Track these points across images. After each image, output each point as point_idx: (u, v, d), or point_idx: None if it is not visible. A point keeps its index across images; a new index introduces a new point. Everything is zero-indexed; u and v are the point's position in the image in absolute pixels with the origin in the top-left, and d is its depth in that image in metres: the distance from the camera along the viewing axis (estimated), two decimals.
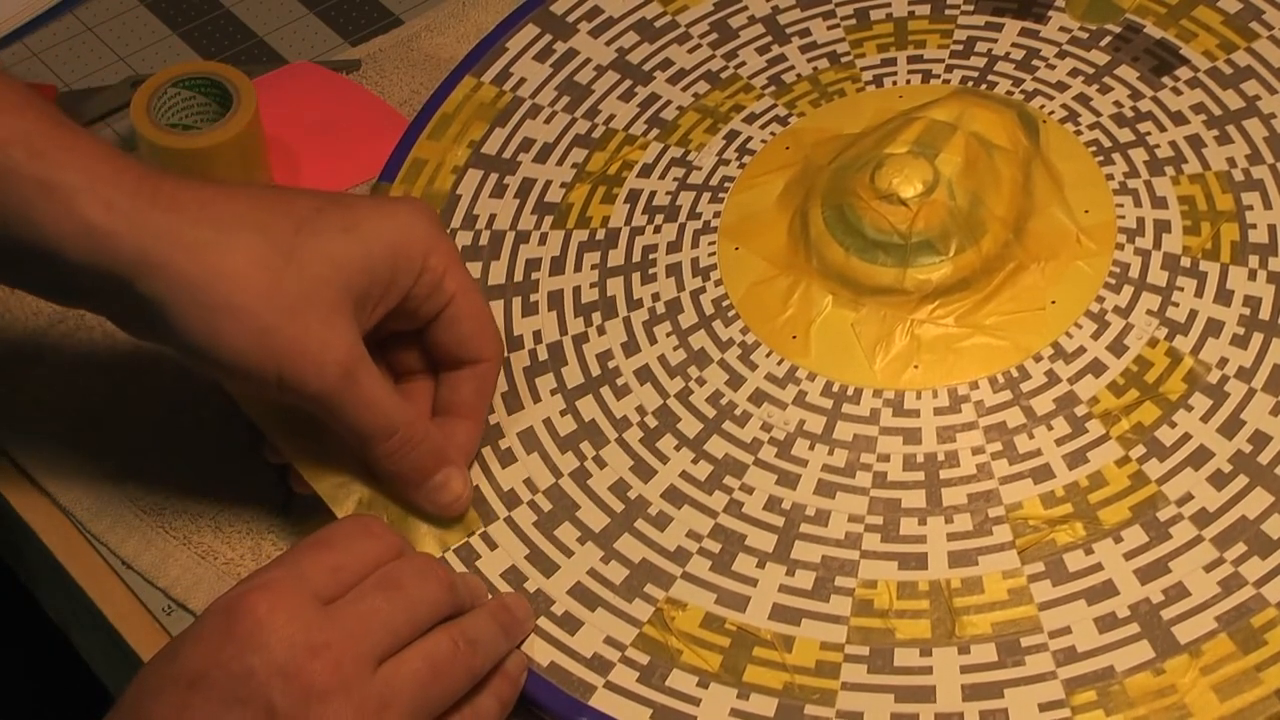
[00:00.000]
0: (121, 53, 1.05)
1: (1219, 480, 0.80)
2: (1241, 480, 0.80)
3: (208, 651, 0.70)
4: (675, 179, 0.93)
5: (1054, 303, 0.85)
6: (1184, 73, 0.93)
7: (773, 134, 0.94)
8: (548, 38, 1.00)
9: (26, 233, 0.76)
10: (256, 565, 0.83)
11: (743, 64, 0.97)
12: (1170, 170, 0.89)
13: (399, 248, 0.80)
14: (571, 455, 0.85)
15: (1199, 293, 0.85)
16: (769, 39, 0.98)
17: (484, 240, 0.92)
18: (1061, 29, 0.96)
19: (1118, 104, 0.92)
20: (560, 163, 0.95)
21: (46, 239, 0.76)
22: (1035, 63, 0.94)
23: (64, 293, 0.80)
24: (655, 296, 0.89)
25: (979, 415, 0.83)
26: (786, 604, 0.79)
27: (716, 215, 0.91)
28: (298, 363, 0.77)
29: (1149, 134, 0.91)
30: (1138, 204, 0.88)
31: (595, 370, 0.87)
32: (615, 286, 0.90)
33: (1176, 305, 0.85)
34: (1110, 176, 0.90)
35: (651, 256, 0.90)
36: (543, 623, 0.79)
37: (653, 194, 0.93)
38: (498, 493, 0.84)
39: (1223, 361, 0.83)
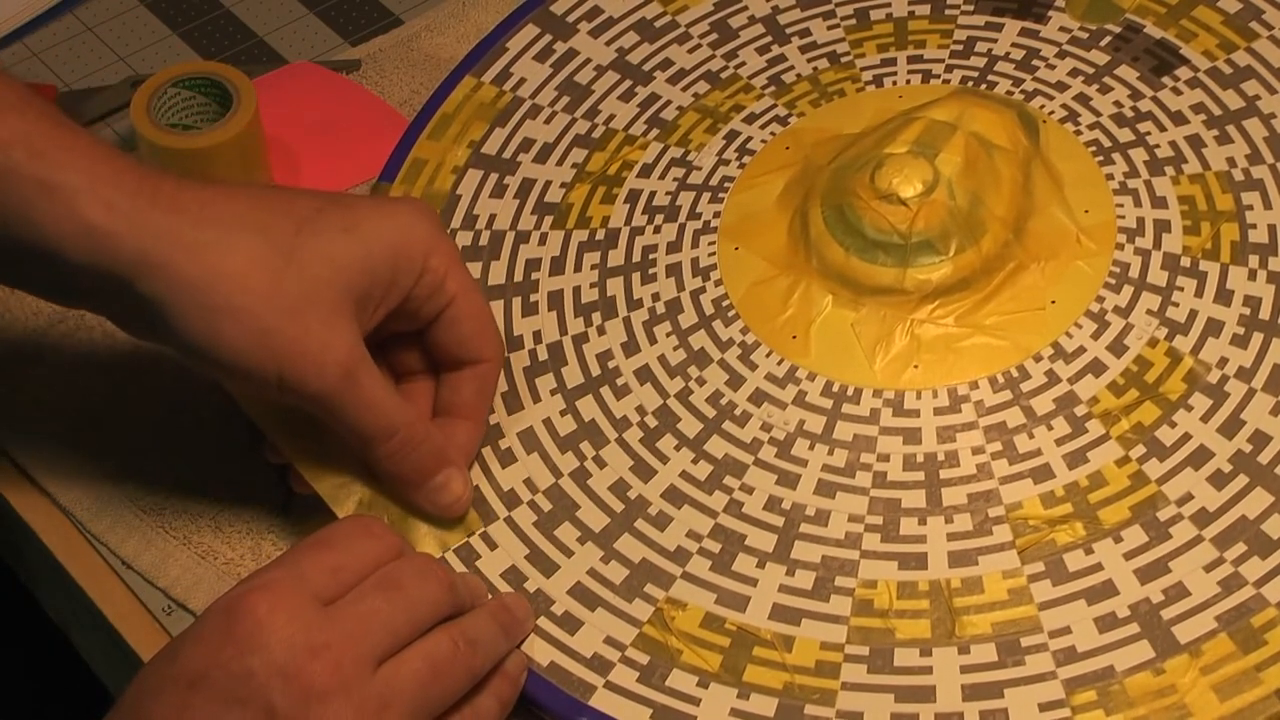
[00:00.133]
0: (121, 53, 1.05)
1: (1219, 480, 0.80)
2: (1241, 480, 0.80)
3: (208, 652, 0.70)
4: (675, 179, 0.93)
5: (1054, 303, 0.85)
6: (1184, 73, 0.93)
7: (773, 134, 0.94)
8: (548, 38, 1.00)
9: (27, 233, 0.76)
10: (256, 565, 0.83)
11: (743, 64, 0.97)
12: (1170, 170, 0.89)
13: (400, 248, 0.80)
14: (571, 455, 0.85)
15: (1199, 293, 0.85)
16: (769, 39, 0.98)
17: (484, 240, 0.92)
18: (1061, 29, 0.96)
19: (1118, 104, 0.92)
20: (560, 163, 0.95)
21: (47, 239, 0.76)
22: (1035, 63, 0.95)
23: (64, 293, 0.80)
24: (655, 296, 0.89)
25: (979, 415, 0.83)
26: (786, 604, 0.79)
27: (716, 215, 0.91)
28: (298, 363, 0.77)
29: (1149, 134, 0.91)
30: (1138, 204, 0.88)
31: (595, 370, 0.87)
32: (615, 286, 0.90)
33: (1176, 305, 0.85)
34: (1110, 176, 0.90)
35: (651, 256, 0.90)
36: (543, 623, 0.79)
37: (653, 194, 0.93)
38: (498, 493, 0.84)
39: (1223, 361, 0.83)
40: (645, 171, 0.94)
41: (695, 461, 0.84)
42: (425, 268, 0.80)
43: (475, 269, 0.91)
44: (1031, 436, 0.82)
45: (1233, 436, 0.81)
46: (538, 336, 0.89)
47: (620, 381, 0.87)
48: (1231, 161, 0.89)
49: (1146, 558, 0.78)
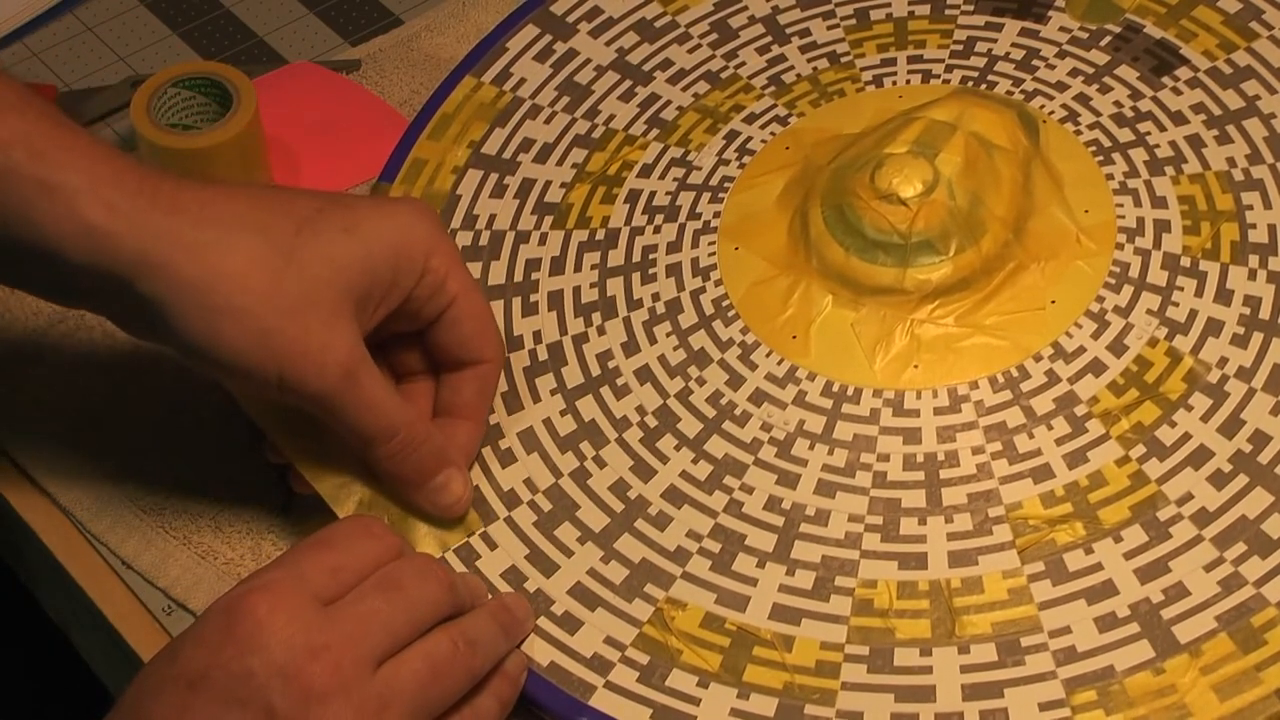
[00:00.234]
0: (121, 53, 1.05)
1: (1219, 480, 0.80)
2: (1241, 480, 0.80)
3: (208, 652, 0.70)
4: (675, 179, 0.93)
5: (1054, 302, 0.85)
6: (1184, 73, 0.93)
7: (773, 134, 0.94)
8: (548, 38, 1.00)
9: (27, 233, 0.76)
10: (256, 565, 0.83)
11: (743, 64, 0.97)
12: (1170, 170, 0.89)
13: (400, 248, 0.80)
14: (571, 455, 0.85)
15: (1199, 292, 0.85)
16: (769, 39, 0.98)
17: (484, 240, 0.92)
18: (1061, 29, 0.96)
19: (1118, 104, 0.92)
20: (560, 163, 0.95)
21: (47, 240, 0.76)
22: (1035, 63, 0.95)
23: (64, 293, 0.80)
24: (655, 296, 0.89)
25: (979, 415, 0.83)
26: (786, 604, 0.79)
27: (716, 215, 0.91)
28: (298, 364, 0.77)
29: (1149, 134, 0.91)
30: (1138, 204, 0.88)
31: (595, 370, 0.87)
32: (615, 286, 0.90)
33: (1176, 305, 0.85)
34: (1110, 176, 0.90)
35: (651, 256, 0.90)
36: (543, 623, 0.79)
37: (653, 194, 0.93)
38: (498, 493, 0.84)
39: (1223, 361, 0.83)
40: (645, 171, 0.94)
41: (695, 461, 0.84)
42: (426, 268, 0.80)
43: (475, 269, 0.91)
44: (1031, 436, 0.82)
45: (1233, 436, 0.81)
46: (538, 336, 0.89)
47: (620, 381, 0.87)
48: (1231, 161, 0.89)
49: (1146, 557, 0.78)
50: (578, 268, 0.91)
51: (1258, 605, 0.76)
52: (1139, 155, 0.90)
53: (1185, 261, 0.86)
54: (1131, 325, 0.85)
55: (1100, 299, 0.86)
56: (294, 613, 0.70)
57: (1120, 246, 0.87)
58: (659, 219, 0.92)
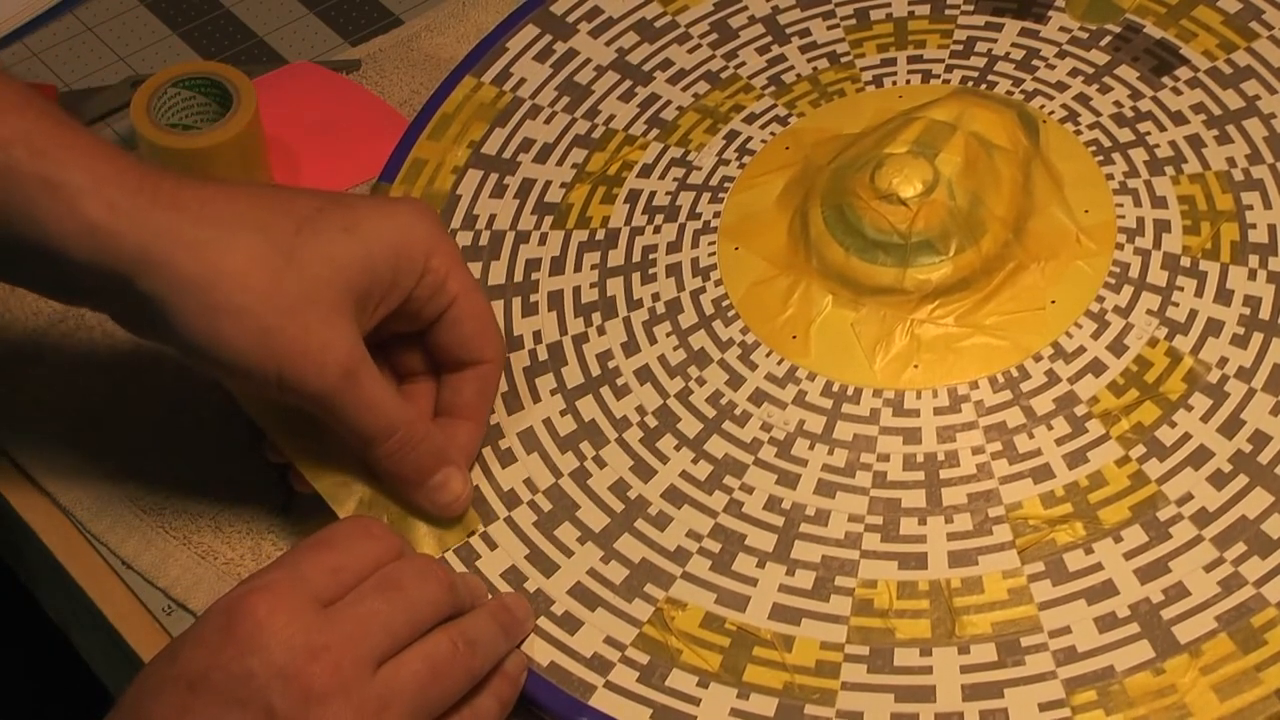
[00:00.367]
0: (121, 53, 1.05)
1: (1219, 480, 0.80)
2: (1241, 480, 0.80)
3: (207, 653, 0.70)
4: (675, 179, 0.93)
5: (1054, 302, 0.85)
6: (1184, 73, 0.93)
7: (773, 134, 0.94)
8: (548, 38, 1.00)
9: (28, 231, 0.76)
10: (256, 565, 0.83)
11: (743, 64, 0.97)
12: (1170, 170, 0.89)
13: (400, 248, 0.80)
14: (571, 455, 0.85)
15: (1199, 292, 0.85)
16: (769, 39, 0.98)
17: (484, 240, 0.92)
18: (1061, 29, 0.96)
19: (1118, 104, 0.92)
20: (560, 163, 0.95)
21: (49, 238, 0.76)
22: (1035, 63, 0.94)
23: (66, 291, 0.80)
24: (655, 296, 0.89)
25: (979, 415, 0.83)
26: (786, 604, 0.79)
27: (716, 215, 0.91)
28: (298, 363, 0.77)
29: (1149, 134, 0.91)
30: (1138, 204, 0.88)
31: (595, 370, 0.87)
32: (615, 286, 0.90)
33: (1176, 305, 0.85)
34: (1110, 176, 0.90)
35: (651, 256, 0.90)
36: (543, 623, 0.79)
37: (653, 194, 0.93)
38: (498, 493, 0.84)
39: (1223, 361, 0.83)
40: (645, 171, 0.94)
41: (695, 461, 0.84)
42: (426, 268, 0.80)
43: (475, 269, 0.91)
44: (1031, 436, 0.82)
45: (1233, 436, 0.81)
46: (538, 336, 0.89)
47: (620, 381, 0.87)
48: (1231, 161, 0.89)
49: (1146, 558, 0.78)
50: (578, 268, 0.91)
51: (1258, 605, 0.76)
52: (1139, 155, 0.90)
53: (1185, 261, 0.86)
54: (1131, 325, 0.85)
55: (1100, 299, 0.86)
56: (294, 613, 0.70)
57: (1120, 246, 0.87)
58: (659, 219, 0.92)
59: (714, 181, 0.93)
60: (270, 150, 0.97)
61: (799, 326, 0.86)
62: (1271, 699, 0.74)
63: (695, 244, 0.90)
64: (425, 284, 0.81)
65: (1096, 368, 0.84)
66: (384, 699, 0.71)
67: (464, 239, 0.92)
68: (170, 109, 0.95)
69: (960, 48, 0.96)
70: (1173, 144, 0.90)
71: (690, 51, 0.98)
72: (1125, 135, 0.91)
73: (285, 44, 1.05)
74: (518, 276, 0.91)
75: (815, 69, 0.96)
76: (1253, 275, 0.86)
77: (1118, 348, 0.84)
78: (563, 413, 0.86)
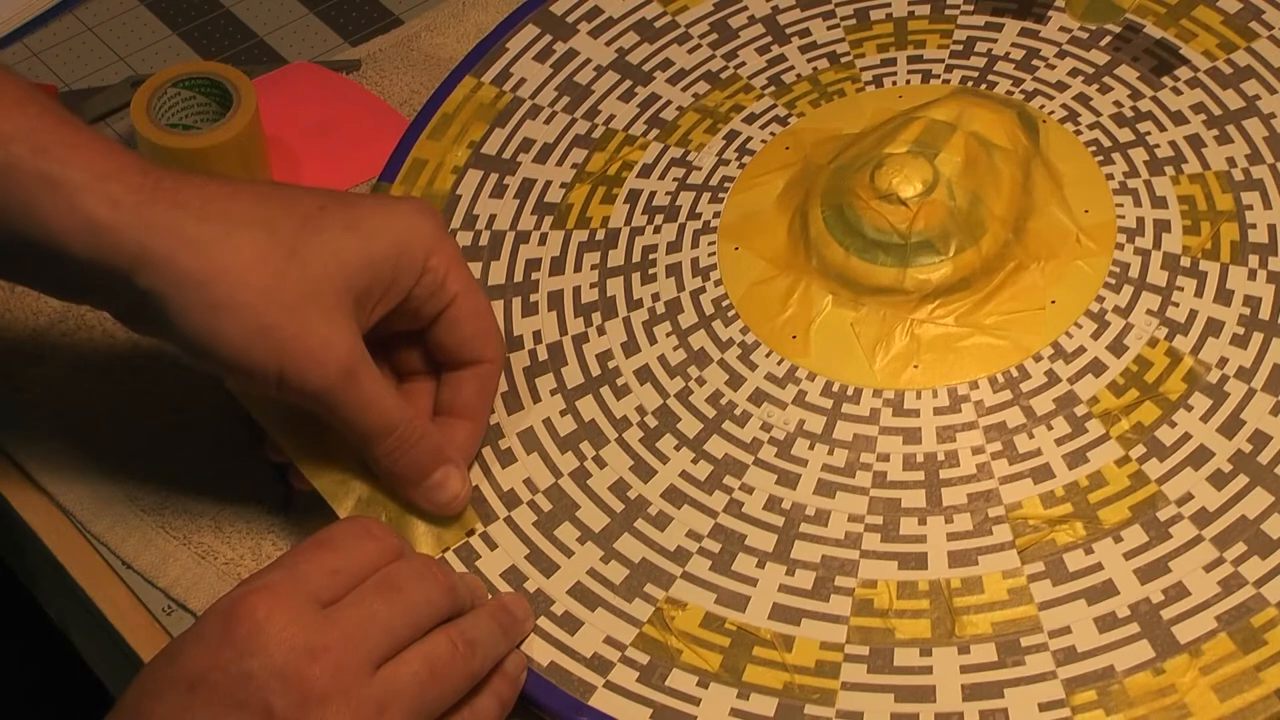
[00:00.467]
0: (121, 53, 1.05)
1: (1219, 480, 0.80)
2: (1241, 480, 0.80)
3: (207, 654, 0.70)
4: (675, 179, 0.93)
5: (1054, 302, 0.85)
6: (1184, 73, 0.93)
7: (772, 134, 0.94)
8: (548, 38, 1.00)
9: (30, 228, 0.76)
10: (256, 565, 0.83)
11: (743, 64, 0.97)
12: (1170, 170, 0.89)
13: (402, 247, 0.80)
14: (571, 455, 0.85)
15: (1199, 292, 0.85)
16: (769, 39, 0.98)
17: (484, 240, 0.92)
18: (1061, 29, 0.96)
19: (1118, 104, 0.92)
20: (560, 163, 0.95)
21: (50, 235, 0.76)
22: (1035, 63, 0.94)
23: (67, 288, 0.80)
24: (655, 296, 0.89)
25: (979, 415, 0.83)
26: (786, 604, 0.79)
27: (716, 215, 0.91)
28: (299, 360, 0.77)
29: (1149, 134, 0.91)
30: (1138, 204, 0.88)
31: (595, 370, 0.87)
32: (615, 286, 0.90)
33: (1176, 305, 0.85)
34: (1110, 176, 0.90)
35: (651, 256, 0.90)
36: (543, 623, 0.79)
37: (653, 194, 0.93)
38: (498, 493, 0.84)
39: (1222, 361, 0.83)
40: (645, 171, 0.94)
41: (695, 461, 0.84)
42: (426, 267, 0.80)
43: (475, 269, 0.91)
44: (1031, 436, 0.82)
45: (1233, 436, 0.81)
46: (538, 336, 0.89)
47: (620, 381, 0.87)
48: (1231, 161, 0.89)
49: (1146, 558, 0.78)
50: (578, 268, 0.91)
51: (1258, 605, 0.76)
52: (1139, 155, 0.90)
53: (1185, 261, 0.86)
54: (1131, 325, 0.85)
55: (1100, 299, 0.86)
56: (293, 614, 0.70)
57: (1120, 246, 0.87)
58: (659, 219, 0.92)
59: (714, 181, 0.93)
60: (270, 150, 0.97)
61: (799, 326, 0.86)
62: (1271, 699, 0.74)
63: (695, 244, 0.90)
64: (425, 283, 0.81)
65: (1096, 368, 0.84)
66: (383, 700, 0.71)
67: (464, 239, 0.92)
68: (170, 109, 0.95)
69: (960, 48, 0.96)
70: (1173, 144, 0.90)
71: (690, 51, 0.98)
72: (1125, 135, 0.91)
73: (285, 44, 1.05)
74: (518, 276, 0.91)
75: (815, 69, 0.96)
76: (1253, 275, 0.86)
77: (1118, 348, 0.84)
78: (563, 413, 0.86)
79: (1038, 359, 0.84)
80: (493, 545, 0.82)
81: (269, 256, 0.77)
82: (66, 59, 1.05)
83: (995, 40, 0.96)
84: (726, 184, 0.92)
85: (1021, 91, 0.93)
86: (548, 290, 0.90)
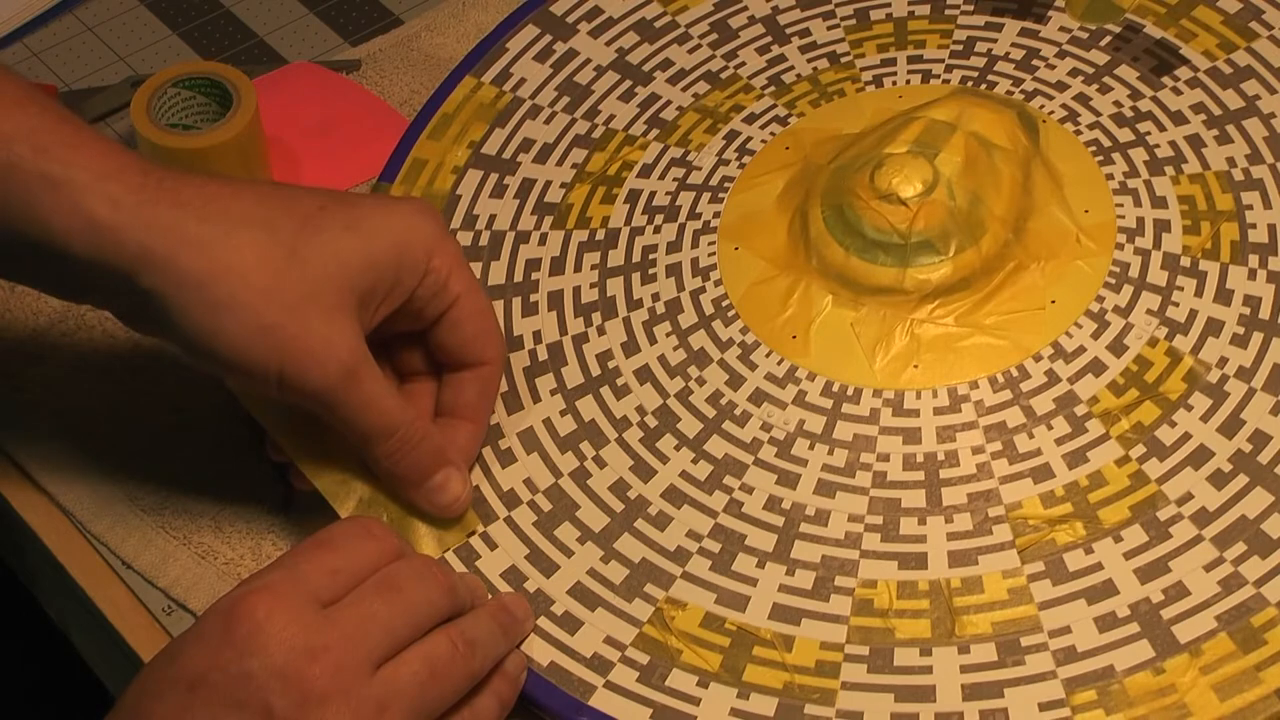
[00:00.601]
0: (121, 53, 1.05)
1: (1219, 480, 0.80)
2: (1241, 480, 0.80)
3: (207, 654, 0.70)
4: (675, 179, 0.93)
5: (1054, 302, 0.85)
6: (1184, 72, 0.93)
7: (772, 134, 0.94)
8: (548, 38, 1.00)
9: (31, 228, 0.76)
10: (256, 565, 0.83)
11: (743, 64, 0.97)
12: (1170, 170, 0.89)
13: (403, 247, 0.80)
14: (571, 455, 0.85)
15: (1199, 292, 0.85)
16: (769, 39, 0.98)
17: (484, 240, 0.92)
18: (1061, 29, 0.96)
19: (1118, 104, 0.92)
20: (560, 163, 0.95)
21: (51, 234, 0.76)
22: (1035, 63, 0.95)
23: (68, 288, 0.80)
24: (655, 296, 0.89)
25: (979, 415, 0.83)
26: (786, 604, 0.79)
27: (716, 215, 0.91)
28: (300, 360, 0.77)
29: (1149, 134, 0.91)
30: (1137, 204, 0.88)
31: (595, 370, 0.87)
32: (615, 286, 0.90)
33: (1176, 305, 0.85)
34: (1110, 176, 0.90)
35: (651, 256, 0.90)
36: (543, 623, 0.79)
37: (653, 194, 0.93)
38: (498, 493, 0.84)
39: (1222, 361, 0.83)
40: (645, 171, 0.94)
41: (695, 461, 0.84)
42: (429, 268, 0.80)
43: (475, 269, 0.91)
44: (1031, 436, 0.82)
45: (1233, 436, 0.81)
46: (538, 336, 0.89)
47: (620, 381, 0.87)
48: (1231, 161, 0.89)
49: (1146, 557, 0.78)
50: (578, 268, 0.91)
51: (1258, 605, 0.76)
52: (1139, 155, 0.90)
53: (1185, 261, 0.86)
54: (1131, 325, 0.85)
55: (1100, 299, 0.86)
56: (293, 614, 0.70)
57: (1120, 246, 0.87)
58: (659, 219, 0.92)
59: (714, 181, 0.93)
60: (270, 150, 0.97)
61: (799, 326, 0.86)
62: (1271, 698, 0.74)
63: (695, 244, 0.90)
64: (427, 283, 0.81)
65: (1096, 367, 0.84)
66: (383, 700, 0.71)
67: (464, 239, 0.92)
68: (170, 109, 0.95)
69: (960, 48, 0.96)
70: (1173, 144, 0.90)
71: (690, 51, 0.98)
72: (1125, 135, 0.91)
73: (285, 44, 1.05)
74: (518, 276, 0.91)
75: (815, 69, 0.96)
76: (1253, 275, 0.86)
77: (1118, 347, 0.84)
78: (563, 413, 0.86)
79: (1038, 359, 0.84)
80: (493, 545, 0.82)
81: (270, 256, 0.77)
82: (66, 59, 1.05)
83: (995, 40, 0.96)
84: (726, 184, 0.92)
85: (1021, 91, 0.93)
86: (548, 290, 0.90)
